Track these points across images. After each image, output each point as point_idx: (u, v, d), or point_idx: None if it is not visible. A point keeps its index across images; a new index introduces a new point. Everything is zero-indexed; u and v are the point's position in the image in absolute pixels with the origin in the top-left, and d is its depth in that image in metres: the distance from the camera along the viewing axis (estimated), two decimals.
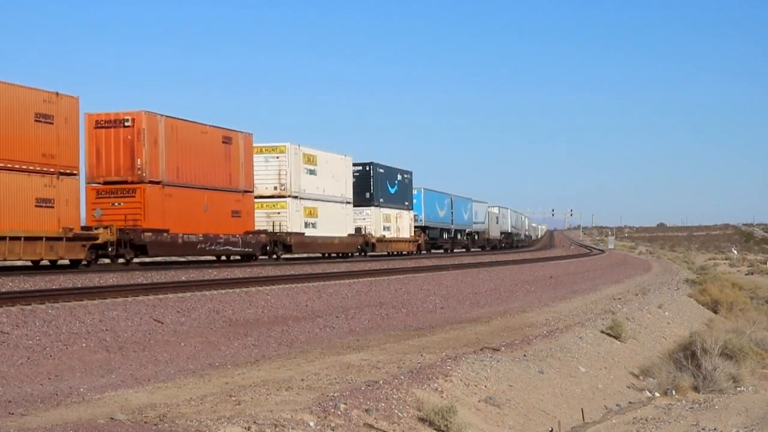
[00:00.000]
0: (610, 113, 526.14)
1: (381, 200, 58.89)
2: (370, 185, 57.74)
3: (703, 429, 17.50)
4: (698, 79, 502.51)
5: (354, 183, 54.51)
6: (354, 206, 54.41)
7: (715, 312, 38.11)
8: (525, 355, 19.14)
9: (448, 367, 16.26)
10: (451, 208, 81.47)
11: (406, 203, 64.41)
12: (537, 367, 18.67)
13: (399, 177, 63.32)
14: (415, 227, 67.42)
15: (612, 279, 51.31)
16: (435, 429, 13.38)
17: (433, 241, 75.65)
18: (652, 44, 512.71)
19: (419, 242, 67.11)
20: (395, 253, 63.70)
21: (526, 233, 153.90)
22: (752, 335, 27.29)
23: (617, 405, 19.53)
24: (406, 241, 63.83)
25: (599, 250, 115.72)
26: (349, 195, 53.02)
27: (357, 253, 54.96)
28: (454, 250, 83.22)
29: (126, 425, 10.76)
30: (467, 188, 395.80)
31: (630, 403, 20.01)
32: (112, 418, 11.01)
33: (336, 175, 50.96)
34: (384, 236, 58.56)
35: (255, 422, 11.13)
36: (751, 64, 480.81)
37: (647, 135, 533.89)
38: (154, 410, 11.66)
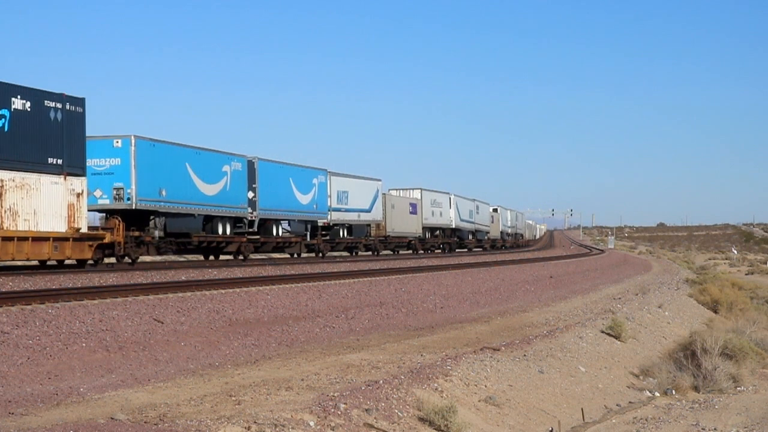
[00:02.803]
0: (610, 113, 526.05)
1: None
2: None
3: (703, 429, 17.49)
4: (699, 79, 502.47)
5: None
6: None
7: (715, 312, 38.12)
8: (525, 355, 19.15)
9: (448, 367, 16.27)
10: (253, 182, 47.05)
11: (56, 161, 30.69)
12: (537, 367, 18.68)
13: (19, 104, 29.35)
14: (114, 212, 36.80)
15: (612, 279, 51.32)
16: (435, 429, 13.38)
17: (183, 237, 41.24)
18: (653, 44, 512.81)
19: (109, 239, 33.78)
20: None
21: (513, 231, 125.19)
22: (752, 335, 27.29)
23: (617, 405, 19.54)
24: (39, 238, 29.92)
25: (599, 249, 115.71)
26: None
27: None
28: (300, 255, 52.66)
29: (126, 425, 10.77)
30: (468, 188, 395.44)
31: (630, 402, 20.01)
32: (112, 418, 11.02)
33: None
34: None
35: (255, 422, 11.13)
36: (751, 64, 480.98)
37: (647, 135, 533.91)
38: (154, 410, 11.67)
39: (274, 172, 49.54)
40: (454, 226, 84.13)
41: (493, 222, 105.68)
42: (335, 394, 13.09)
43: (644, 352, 25.33)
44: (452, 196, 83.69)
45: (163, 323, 19.51)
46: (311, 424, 11.66)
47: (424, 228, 75.82)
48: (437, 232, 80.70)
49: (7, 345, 15.75)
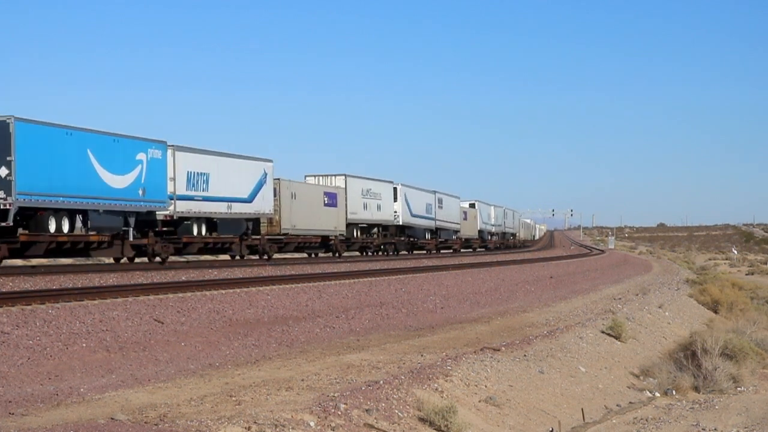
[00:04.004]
0: (610, 113, 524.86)
1: None
2: None
3: (703, 429, 17.50)
4: (698, 79, 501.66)
5: None
6: None
7: (716, 312, 38.15)
8: (525, 355, 19.15)
9: (449, 367, 16.27)
10: (7, 154, 30.24)
11: None
12: (537, 367, 18.68)
13: None
14: None
15: (612, 279, 51.33)
16: (435, 429, 13.39)
17: None
18: (653, 44, 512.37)
19: None
20: None
21: (499, 230, 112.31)
22: (752, 335, 27.29)
23: (617, 405, 19.54)
24: None
25: (599, 250, 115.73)
26: None
27: None
28: (132, 260, 38.55)
29: (126, 425, 10.77)
30: (468, 189, 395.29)
31: (630, 403, 20.01)
32: (112, 418, 11.02)
33: None
34: None
35: (255, 422, 11.13)
36: (751, 64, 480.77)
37: (647, 135, 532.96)
38: (155, 410, 11.67)
39: (50, 140, 32.45)
40: (401, 223, 67.77)
41: (466, 219, 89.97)
42: (335, 395, 13.08)
43: (644, 353, 25.33)
44: (399, 187, 67.48)
45: (163, 323, 19.51)
46: (311, 424, 11.66)
47: (350, 224, 59.14)
48: (374, 230, 64.40)
49: (8, 345, 15.75)
